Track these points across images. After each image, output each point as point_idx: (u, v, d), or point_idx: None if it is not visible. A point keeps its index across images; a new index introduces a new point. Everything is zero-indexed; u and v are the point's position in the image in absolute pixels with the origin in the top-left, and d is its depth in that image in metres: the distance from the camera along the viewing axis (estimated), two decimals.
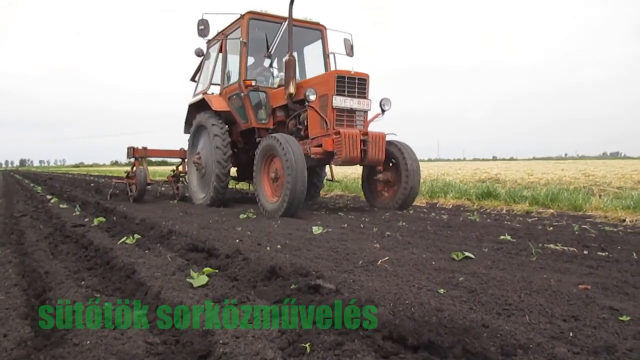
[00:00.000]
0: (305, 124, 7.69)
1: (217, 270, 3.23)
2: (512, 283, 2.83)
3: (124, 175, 10.86)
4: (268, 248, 3.93)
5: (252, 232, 4.92)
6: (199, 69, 10.36)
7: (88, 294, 2.79)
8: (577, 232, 5.28)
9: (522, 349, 1.80)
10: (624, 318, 2.21)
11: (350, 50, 9.20)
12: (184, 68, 13.90)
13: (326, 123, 7.19)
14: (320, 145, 7.18)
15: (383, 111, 7.76)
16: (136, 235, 4.63)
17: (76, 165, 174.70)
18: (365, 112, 7.47)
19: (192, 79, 10.62)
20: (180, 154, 10.50)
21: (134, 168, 10.10)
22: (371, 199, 8.35)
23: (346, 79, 7.16)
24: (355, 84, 7.24)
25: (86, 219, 6.39)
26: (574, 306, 2.41)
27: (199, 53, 9.54)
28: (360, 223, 6.01)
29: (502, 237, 4.73)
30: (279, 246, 4.05)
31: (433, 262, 3.43)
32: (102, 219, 6.15)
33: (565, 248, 4.15)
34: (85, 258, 4.01)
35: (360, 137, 7.09)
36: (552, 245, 4.25)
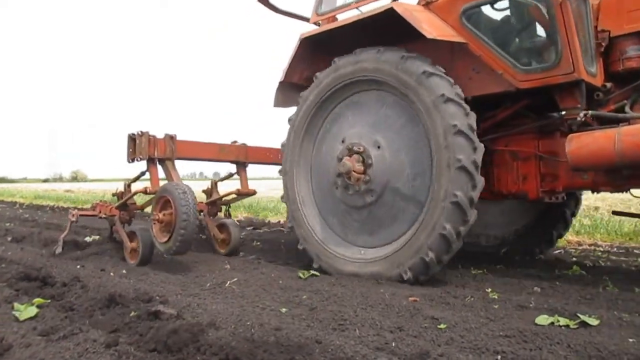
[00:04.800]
0: None
1: (49, 300, 3.01)
2: (350, 299, 3.01)
3: (114, 201, 5.14)
4: (112, 274, 3.75)
5: (97, 255, 4.69)
6: None
7: None
8: None
9: None
10: (442, 326, 2.46)
11: None
12: None
13: None
14: None
15: None
16: None
17: None
18: None
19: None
20: (274, 155, 5.42)
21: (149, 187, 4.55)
22: None
23: None
24: None
25: None
26: (402, 318, 2.63)
27: None
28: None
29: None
30: (124, 271, 3.88)
31: (280, 281, 3.53)
32: None
33: None
34: None
35: None
36: None
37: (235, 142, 5.19)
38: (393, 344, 2.15)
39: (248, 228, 7.87)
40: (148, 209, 4.81)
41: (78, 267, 4.01)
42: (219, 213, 5.33)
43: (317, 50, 4.40)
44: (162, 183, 4.42)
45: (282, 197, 4.38)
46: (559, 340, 2.22)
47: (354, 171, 3.73)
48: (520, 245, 4.85)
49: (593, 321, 2.51)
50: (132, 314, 2.58)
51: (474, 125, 3.42)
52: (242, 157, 5.18)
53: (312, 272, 3.85)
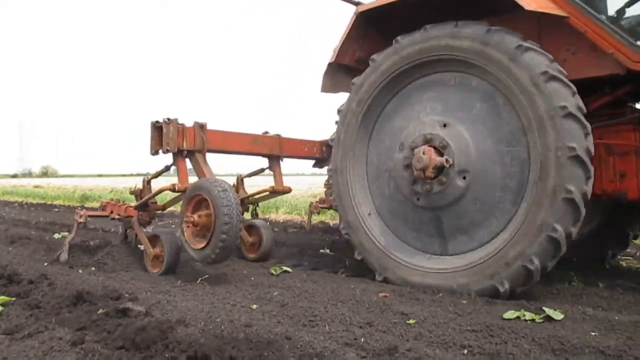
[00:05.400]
0: None
1: (15, 298, 2.94)
2: (321, 295, 3.03)
3: (134, 199, 4.52)
4: (80, 271, 3.69)
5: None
6: None
7: None
8: None
9: (317, 357, 1.94)
10: (411, 321, 2.50)
11: None
12: None
13: None
14: None
15: None
16: None
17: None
18: None
19: None
20: (315, 148, 4.80)
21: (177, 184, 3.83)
22: None
23: None
24: None
25: None
26: (372, 313, 2.66)
27: None
28: None
29: (322, 250, 5.01)
30: (93, 268, 3.83)
31: (252, 278, 3.53)
32: None
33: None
34: None
35: None
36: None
37: (266, 132, 4.48)
38: (362, 340, 2.16)
39: None
40: (167, 209, 4.41)
41: (46, 264, 3.93)
42: (244, 213, 4.65)
43: (372, 28, 3.90)
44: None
45: (332, 200, 3.85)
46: (524, 334, 2.27)
47: (431, 166, 3.15)
48: (591, 248, 4.27)
49: (558, 315, 2.57)
50: (100, 311, 2.54)
51: (584, 107, 2.94)
52: (276, 149, 4.49)
53: (285, 268, 3.83)
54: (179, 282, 3.40)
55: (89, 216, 4.34)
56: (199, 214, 3.40)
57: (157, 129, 3.82)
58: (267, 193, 4.68)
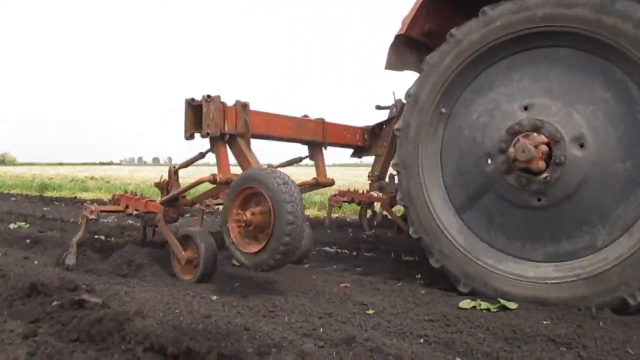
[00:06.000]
0: None
1: None
2: (283, 285, 3.04)
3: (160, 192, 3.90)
4: (36, 262, 3.60)
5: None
6: None
7: None
8: (351, 235, 5.83)
9: (276, 348, 1.94)
10: (370, 312, 2.53)
11: None
12: None
13: None
14: None
15: None
16: None
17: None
18: None
19: None
20: (357, 135, 4.47)
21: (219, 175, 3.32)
22: None
23: None
24: None
25: None
26: (332, 304, 2.68)
27: None
28: None
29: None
30: (47, 258, 3.74)
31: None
32: None
33: (339, 250, 4.58)
34: None
35: None
36: (327, 248, 4.64)
37: (306, 116, 3.95)
38: (321, 330, 2.18)
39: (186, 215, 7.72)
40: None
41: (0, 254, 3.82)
42: None
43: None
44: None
45: (399, 199, 3.31)
46: (479, 323, 2.33)
47: (538, 157, 2.67)
48: None
49: (512, 305, 2.65)
50: (55, 303, 2.48)
51: None
52: (320, 136, 3.93)
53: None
54: (139, 273, 3.34)
55: (101, 211, 3.73)
56: (252, 211, 2.79)
57: (194, 108, 3.24)
58: (308, 185, 4.09)
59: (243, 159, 3.29)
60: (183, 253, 3.20)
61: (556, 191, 2.74)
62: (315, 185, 4.03)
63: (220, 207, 5.52)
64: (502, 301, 2.67)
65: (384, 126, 4.42)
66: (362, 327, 2.27)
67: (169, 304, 2.49)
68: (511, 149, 2.75)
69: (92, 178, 20.78)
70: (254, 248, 2.74)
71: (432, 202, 3.13)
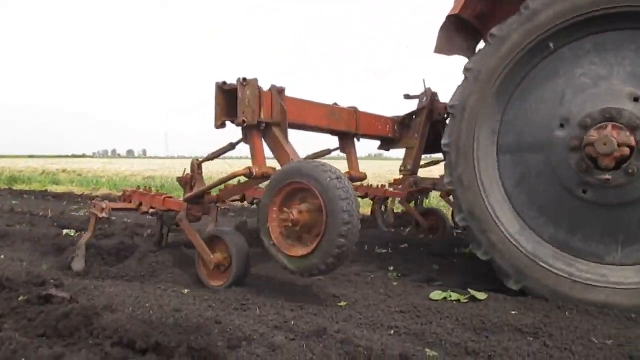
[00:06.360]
0: None
1: None
2: (256, 279, 3.03)
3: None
4: (2, 256, 3.52)
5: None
6: None
7: None
8: None
9: (246, 341, 1.94)
10: (342, 304, 2.55)
11: None
12: None
13: None
14: None
15: None
16: None
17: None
18: None
19: None
20: (382, 126, 4.20)
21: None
22: None
23: None
24: None
25: None
26: (305, 296, 2.69)
27: None
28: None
29: None
30: (15, 252, 3.66)
31: (185, 263, 3.47)
32: None
33: None
34: None
35: None
36: None
37: (335, 104, 3.56)
38: (292, 322, 2.18)
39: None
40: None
41: None
42: None
43: None
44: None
45: (447, 181, 3.02)
46: (449, 314, 2.36)
47: (620, 151, 2.46)
48: None
49: (482, 296, 2.69)
50: (21, 298, 2.44)
51: None
52: (353, 126, 3.59)
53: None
54: (109, 267, 3.29)
55: (113, 209, 3.32)
56: (300, 209, 2.48)
57: (226, 93, 2.91)
58: None
59: (281, 151, 2.93)
60: (212, 256, 2.87)
61: (609, 195, 2.60)
62: (349, 180, 3.51)
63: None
64: (472, 292, 2.71)
65: (414, 117, 4.19)
66: (334, 319, 2.29)
67: (139, 298, 2.46)
68: (593, 133, 2.55)
69: (63, 171, 20.36)
70: (300, 251, 2.46)
71: (486, 191, 2.89)
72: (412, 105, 4.35)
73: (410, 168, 4.31)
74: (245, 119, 2.82)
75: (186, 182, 3.46)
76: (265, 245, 2.60)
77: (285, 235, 2.56)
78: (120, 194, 4.13)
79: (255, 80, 2.83)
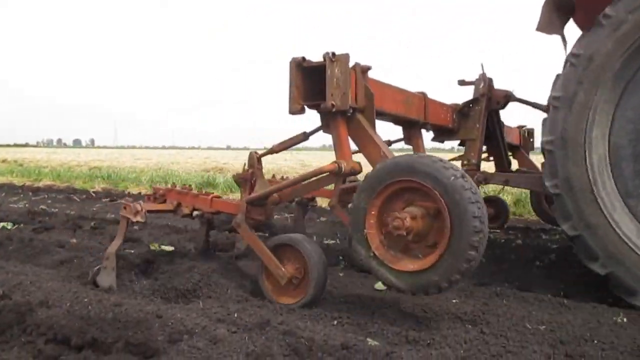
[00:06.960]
0: None
1: None
2: (202, 272, 2.96)
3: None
4: None
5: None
6: None
7: None
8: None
9: (188, 334, 1.91)
10: None
11: None
12: None
13: None
14: None
15: None
16: None
17: None
18: None
19: None
20: (444, 115, 3.75)
21: None
22: None
23: None
24: None
25: None
26: (250, 289, 2.66)
27: None
28: None
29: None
30: None
31: (129, 256, 3.38)
32: None
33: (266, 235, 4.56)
34: None
35: None
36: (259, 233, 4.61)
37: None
38: (235, 315, 2.17)
39: (104, 200, 7.43)
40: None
41: None
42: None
43: None
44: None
45: (551, 184, 2.64)
46: (391, 304, 2.41)
47: None
48: None
49: None
50: None
51: None
52: (422, 114, 3.17)
53: (164, 247, 3.70)
54: (49, 261, 3.18)
55: (148, 212, 2.78)
56: (413, 215, 2.01)
57: (306, 71, 2.44)
58: None
59: (370, 143, 2.47)
60: (283, 269, 2.39)
61: None
62: None
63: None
64: None
65: (471, 105, 3.79)
66: (278, 312, 2.29)
67: (77, 293, 2.38)
68: None
69: (3, 161, 19.47)
70: (411, 265, 2.04)
71: (601, 193, 2.51)
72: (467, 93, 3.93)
73: (474, 162, 3.84)
74: (334, 103, 2.34)
75: (246, 180, 2.84)
76: (361, 257, 2.15)
77: (386, 244, 2.12)
78: (63, 184, 3.99)
79: (347, 56, 2.36)
